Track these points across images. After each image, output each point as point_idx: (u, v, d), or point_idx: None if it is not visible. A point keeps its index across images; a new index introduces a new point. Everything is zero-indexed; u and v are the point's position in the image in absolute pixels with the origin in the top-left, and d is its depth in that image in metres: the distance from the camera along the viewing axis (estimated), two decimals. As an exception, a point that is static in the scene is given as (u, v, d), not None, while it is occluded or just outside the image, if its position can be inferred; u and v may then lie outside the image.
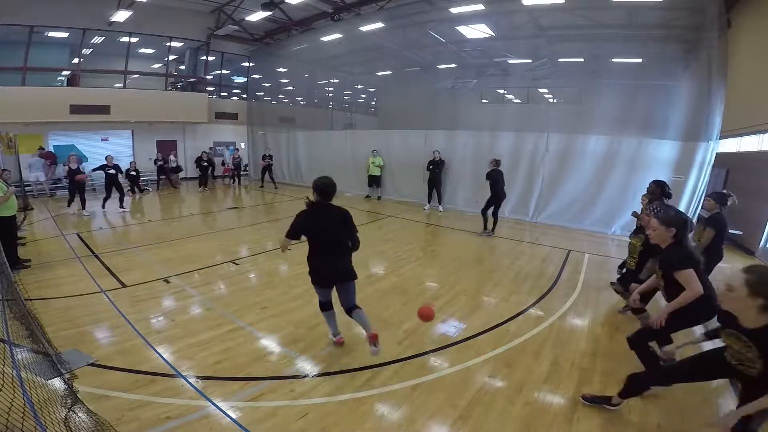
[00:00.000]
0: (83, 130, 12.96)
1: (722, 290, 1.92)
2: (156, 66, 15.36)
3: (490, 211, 7.49)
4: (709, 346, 2.38)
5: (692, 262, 2.52)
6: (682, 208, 6.87)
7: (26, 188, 10.94)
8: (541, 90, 13.71)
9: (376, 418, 2.58)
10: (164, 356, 3.21)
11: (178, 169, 14.56)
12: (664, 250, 2.69)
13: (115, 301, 4.27)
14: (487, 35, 11.07)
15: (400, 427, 2.50)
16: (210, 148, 16.15)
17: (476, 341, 3.58)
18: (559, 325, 3.94)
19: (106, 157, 9.82)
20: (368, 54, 14.65)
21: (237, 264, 5.68)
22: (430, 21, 11.48)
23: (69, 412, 2.32)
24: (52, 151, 12.52)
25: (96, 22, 11.99)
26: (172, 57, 14.94)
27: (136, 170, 12.16)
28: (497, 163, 7.44)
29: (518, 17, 10.44)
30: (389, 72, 16.66)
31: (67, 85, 13.06)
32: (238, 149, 17.15)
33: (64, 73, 13.20)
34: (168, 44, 14.21)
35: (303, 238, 3.08)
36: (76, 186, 9.08)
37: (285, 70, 16.92)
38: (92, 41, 12.72)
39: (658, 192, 5.06)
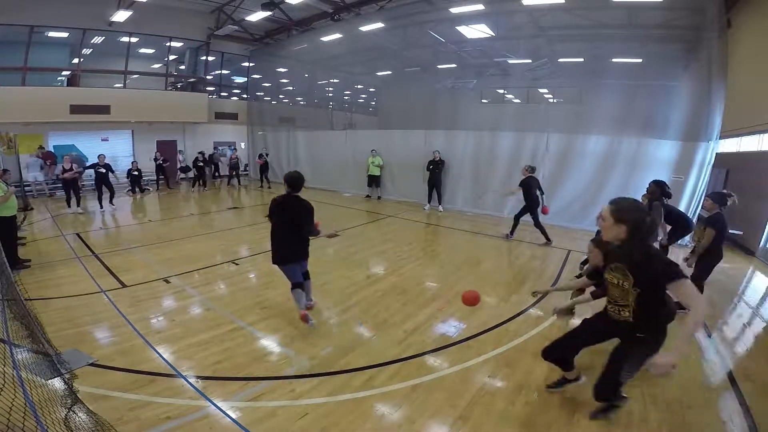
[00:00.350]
0: (83, 130, 12.96)
1: (598, 220, 2.24)
2: (156, 66, 15.36)
3: (527, 217, 7.16)
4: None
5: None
6: (682, 208, 6.87)
7: (26, 188, 10.95)
8: (541, 90, 13.73)
9: (376, 418, 2.58)
10: (164, 356, 3.21)
11: (186, 169, 14.63)
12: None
13: (115, 301, 4.27)
14: (487, 35, 11.07)
15: (399, 427, 2.50)
16: (215, 149, 16.29)
17: (476, 341, 3.59)
18: (559, 325, 3.94)
19: (98, 156, 9.99)
20: (368, 54, 14.65)
21: (237, 264, 5.68)
22: (430, 21, 11.48)
23: (69, 412, 2.32)
24: (52, 151, 12.53)
25: (96, 22, 11.99)
26: (172, 57, 14.93)
27: (138, 170, 12.22)
28: (532, 170, 7.05)
29: (518, 17, 10.43)
30: (389, 72, 16.67)
31: (67, 85, 13.06)
32: (235, 149, 17.16)
33: (64, 73, 13.20)
34: (168, 44, 14.21)
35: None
36: (68, 184, 9.22)
37: (285, 70, 16.92)
38: (92, 41, 12.72)
39: (658, 192, 5.08)
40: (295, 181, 3.53)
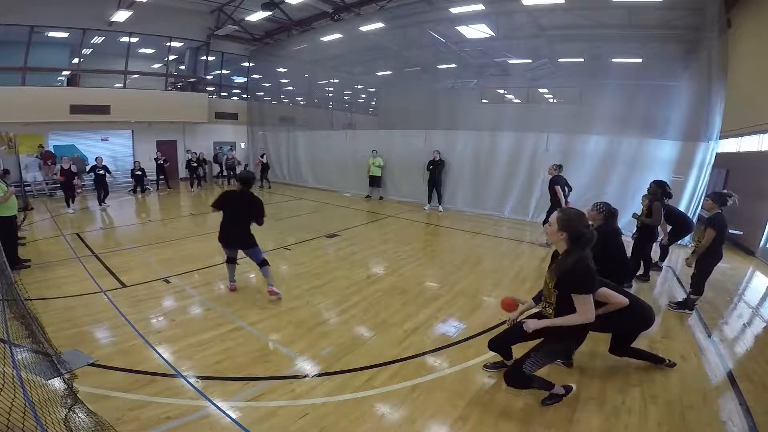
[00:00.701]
0: (83, 130, 12.95)
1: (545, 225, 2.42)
2: (156, 66, 15.35)
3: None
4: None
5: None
6: (682, 208, 6.87)
7: (26, 188, 10.96)
8: (541, 90, 13.74)
9: (376, 418, 2.58)
10: (164, 356, 3.21)
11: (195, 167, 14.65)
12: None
13: (115, 301, 4.27)
14: (487, 35, 11.08)
15: (400, 427, 2.50)
16: (219, 149, 16.39)
17: (476, 341, 3.58)
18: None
19: (96, 159, 10.17)
20: (368, 54, 14.64)
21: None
22: (430, 21, 11.48)
23: (69, 412, 2.32)
24: (52, 151, 12.53)
25: (96, 22, 11.99)
26: (172, 57, 14.92)
27: (142, 169, 12.36)
28: (560, 168, 6.77)
29: (518, 17, 10.44)
30: (389, 72, 16.67)
31: (67, 85, 13.06)
32: (232, 150, 17.16)
33: (64, 73, 13.19)
34: (168, 44, 14.20)
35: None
36: (64, 185, 9.32)
37: (285, 70, 16.91)
38: (92, 41, 12.71)
39: (659, 192, 5.08)
40: (248, 179, 4.33)
